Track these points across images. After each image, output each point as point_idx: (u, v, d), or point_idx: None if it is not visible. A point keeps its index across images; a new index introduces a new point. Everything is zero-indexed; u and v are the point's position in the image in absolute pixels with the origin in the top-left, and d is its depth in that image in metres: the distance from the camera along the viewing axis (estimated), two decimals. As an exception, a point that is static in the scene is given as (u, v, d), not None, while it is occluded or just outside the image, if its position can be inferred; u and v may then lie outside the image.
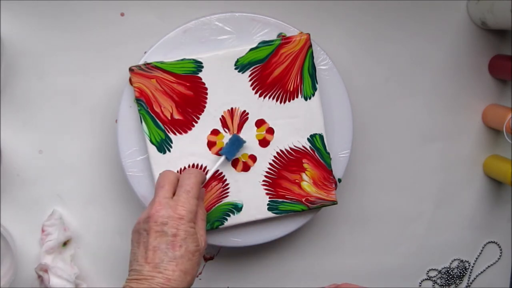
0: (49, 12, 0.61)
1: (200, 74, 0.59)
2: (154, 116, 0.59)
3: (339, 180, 0.63)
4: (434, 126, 0.69)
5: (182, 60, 0.59)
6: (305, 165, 0.61)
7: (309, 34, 0.59)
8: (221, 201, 0.61)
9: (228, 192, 0.61)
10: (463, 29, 0.67)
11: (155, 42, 0.60)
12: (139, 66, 0.58)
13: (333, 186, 0.62)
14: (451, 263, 0.73)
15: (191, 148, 0.60)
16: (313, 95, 0.61)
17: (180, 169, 0.60)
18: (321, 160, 0.61)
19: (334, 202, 0.62)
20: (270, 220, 0.62)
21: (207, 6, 0.62)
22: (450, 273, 0.73)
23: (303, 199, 0.62)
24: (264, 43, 0.59)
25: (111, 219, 0.67)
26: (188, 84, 0.59)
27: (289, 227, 0.63)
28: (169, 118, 0.59)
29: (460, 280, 0.74)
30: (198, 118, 0.60)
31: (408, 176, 0.70)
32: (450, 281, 0.73)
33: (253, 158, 0.61)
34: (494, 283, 0.74)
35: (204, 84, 0.59)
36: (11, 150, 0.63)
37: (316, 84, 0.60)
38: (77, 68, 0.63)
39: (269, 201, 0.61)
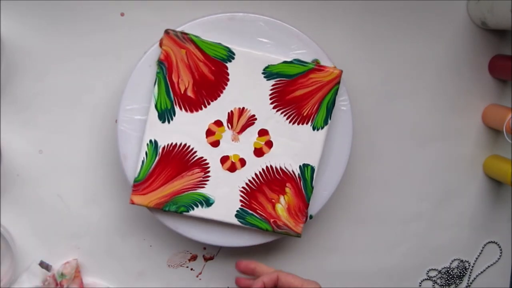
0: (49, 12, 0.61)
1: (228, 64, 0.59)
2: (169, 84, 0.59)
3: (311, 217, 0.63)
4: (434, 126, 0.69)
5: (218, 43, 0.59)
6: (287, 189, 0.61)
7: (342, 71, 0.60)
8: (195, 190, 0.61)
9: (206, 184, 0.61)
10: (463, 29, 0.67)
11: (197, 18, 0.59)
12: (175, 32, 0.58)
13: (304, 219, 0.62)
14: (451, 263, 0.73)
15: (189, 128, 0.60)
16: (322, 128, 0.61)
17: (170, 144, 0.60)
18: (303, 191, 0.61)
19: (298, 235, 0.62)
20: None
21: (207, 6, 0.62)
22: (450, 273, 0.73)
23: (271, 220, 0.62)
24: (299, 61, 0.60)
25: (111, 219, 0.67)
26: (213, 68, 0.59)
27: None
28: (182, 92, 0.59)
29: (460, 280, 0.74)
30: (209, 104, 0.60)
31: (408, 176, 0.70)
32: (450, 281, 0.73)
33: (243, 162, 0.61)
34: (494, 283, 0.74)
35: (228, 74, 0.59)
36: (11, 150, 0.63)
37: (329, 120, 0.61)
38: (77, 68, 0.63)
39: (239, 208, 0.61)
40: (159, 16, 0.63)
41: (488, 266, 0.74)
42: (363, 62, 0.67)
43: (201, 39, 0.58)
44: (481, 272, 0.74)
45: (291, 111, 0.60)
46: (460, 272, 0.73)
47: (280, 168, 0.61)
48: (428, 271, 0.73)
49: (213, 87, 0.59)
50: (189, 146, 0.60)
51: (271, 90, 0.60)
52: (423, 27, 0.66)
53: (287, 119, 0.61)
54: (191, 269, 0.69)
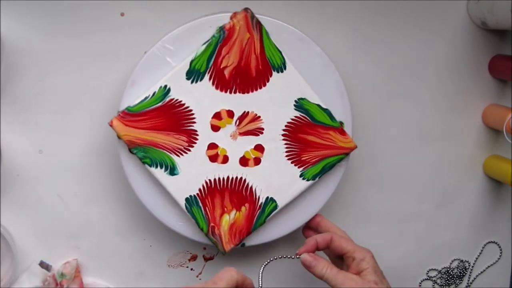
0: (49, 12, 0.61)
1: (274, 73, 0.59)
2: (215, 52, 0.59)
3: (243, 245, 0.63)
4: (434, 126, 0.69)
5: (280, 51, 0.59)
6: (243, 208, 0.61)
7: (356, 147, 0.62)
8: (170, 153, 0.60)
9: (182, 155, 0.60)
10: (463, 29, 0.67)
11: (275, 17, 0.60)
12: (253, 15, 0.58)
13: (237, 243, 0.62)
14: (451, 263, 0.73)
15: (204, 100, 0.59)
16: (308, 180, 0.62)
17: (179, 101, 0.59)
18: (254, 220, 0.61)
19: (223, 252, 0.62)
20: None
21: (207, 6, 0.62)
22: (450, 273, 0.73)
23: (211, 224, 0.61)
24: (330, 115, 0.61)
25: (111, 219, 0.67)
26: (260, 67, 0.59)
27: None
28: (221, 67, 0.59)
29: (460, 280, 0.74)
30: (235, 93, 0.60)
31: (408, 176, 0.70)
32: (450, 281, 0.73)
33: (225, 160, 0.61)
34: (494, 283, 0.74)
35: (268, 81, 0.60)
36: (11, 150, 0.63)
37: (318, 178, 0.62)
38: (77, 68, 0.63)
39: (193, 195, 0.61)
40: (159, 16, 0.63)
41: (488, 266, 0.74)
42: (363, 62, 0.67)
43: (268, 37, 0.59)
44: (481, 272, 0.74)
45: (294, 148, 0.61)
46: (460, 272, 0.73)
47: (251, 187, 0.61)
48: (428, 271, 0.73)
49: (249, 82, 0.59)
50: (192, 114, 0.60)
51: (291, 119, 0.60)
52: (423, 27, 0.66)
53: (286, 152, 0.61)
54: (191, 269, 0.69)
